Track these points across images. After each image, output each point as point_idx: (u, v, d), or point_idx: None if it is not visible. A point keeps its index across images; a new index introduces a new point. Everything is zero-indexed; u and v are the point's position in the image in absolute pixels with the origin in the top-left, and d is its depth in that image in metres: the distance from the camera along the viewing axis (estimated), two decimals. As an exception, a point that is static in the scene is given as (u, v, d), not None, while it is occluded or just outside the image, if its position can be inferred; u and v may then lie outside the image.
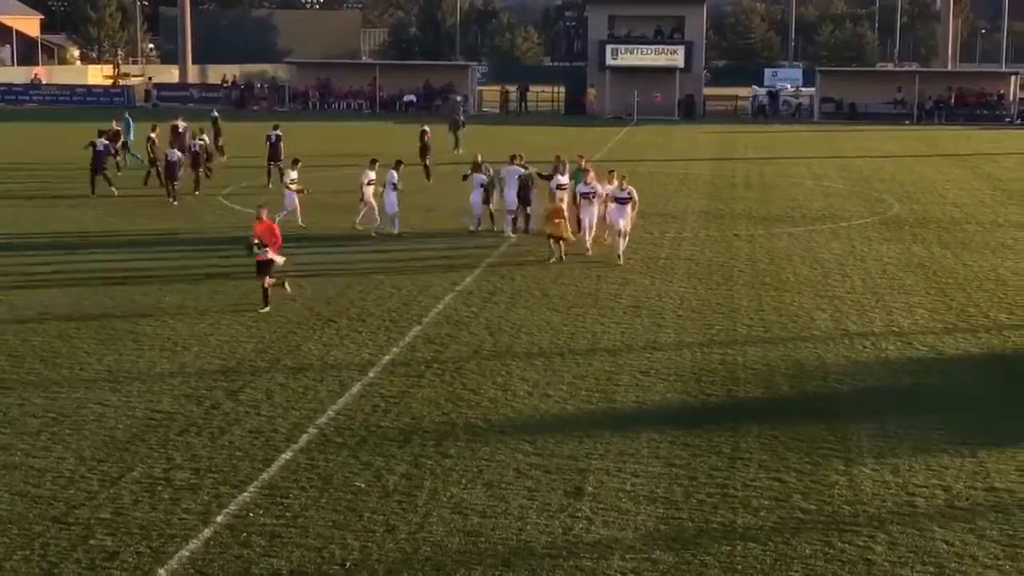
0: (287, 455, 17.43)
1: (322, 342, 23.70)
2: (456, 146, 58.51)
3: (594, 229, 33.18)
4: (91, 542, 14.41)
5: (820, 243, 35.87)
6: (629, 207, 32.33)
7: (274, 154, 47.06)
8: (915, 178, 53.29)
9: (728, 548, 14.45)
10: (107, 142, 46.15)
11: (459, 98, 58.89)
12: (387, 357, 22.59)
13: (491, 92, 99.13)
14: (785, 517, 15.43)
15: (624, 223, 32.31)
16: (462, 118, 59.78)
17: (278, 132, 47.46)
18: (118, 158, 49.40)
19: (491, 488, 16.28)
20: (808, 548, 14.49)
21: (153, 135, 47.14)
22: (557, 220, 31.40)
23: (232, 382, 20.88)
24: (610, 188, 33.45)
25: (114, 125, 51.41)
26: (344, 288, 28.36)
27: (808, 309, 26.92)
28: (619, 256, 31.85)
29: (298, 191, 36.82)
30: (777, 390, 21.12)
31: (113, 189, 44.23)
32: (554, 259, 31.33)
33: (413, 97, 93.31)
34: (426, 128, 50.78)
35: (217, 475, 16.61)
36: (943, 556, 14.40)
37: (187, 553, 14.12)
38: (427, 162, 48.28)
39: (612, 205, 32.95)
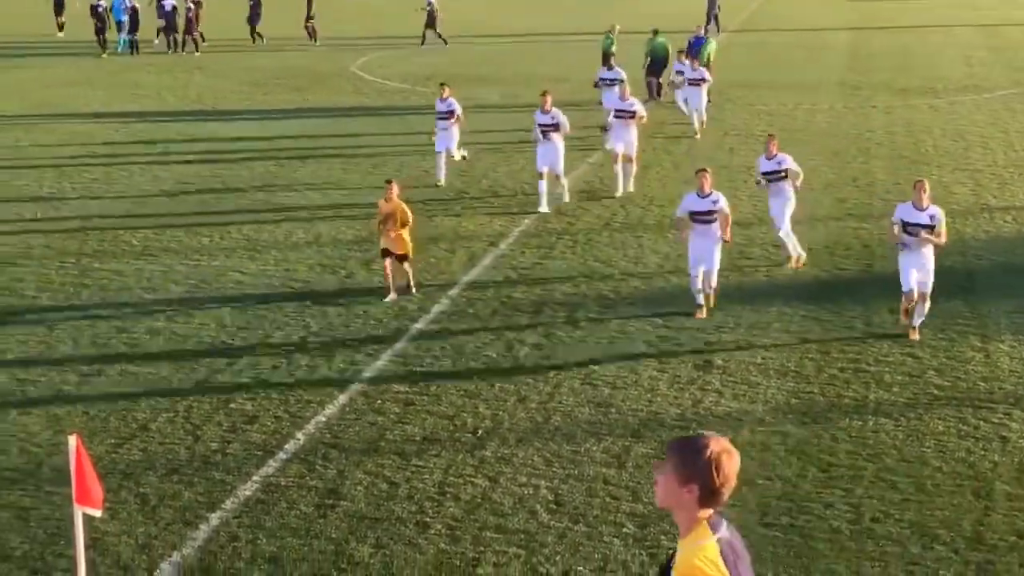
0: (419, 325, 17.70)
1: (454, 213, 23.86)
2: (716, 30, 56.33)
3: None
4: (232, 406, 14.87)
5: (962, 115, 34.87)
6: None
7: (431, 22, 50.70)
8: (1064, 47, 51.31)
9: (860, 423, 14.38)
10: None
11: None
12: (518, 228, 22.68)
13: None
14: (919, 393, 15.28)
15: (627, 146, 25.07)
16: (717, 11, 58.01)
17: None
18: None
19: (621, 360, 16.37)
20: (941, 424, 14.35)
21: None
22: (393, 232, 18.94)
23: (366, 252, 21.16)
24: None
25: None
26: (476, 160, 28.42)
27: (947, 183, 26.30)
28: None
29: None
30: (913, 265, 20.74)
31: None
32: (390, 296, 18.81)
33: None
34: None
35: (352, 343, 16.95)
36: (1081, 435, 14.15)
37: (323, 418, 14.50)
38: (438, 31, 50.77)
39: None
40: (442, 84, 26.88)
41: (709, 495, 5.40)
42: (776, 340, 17.08)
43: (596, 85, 32.20)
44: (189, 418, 14.55)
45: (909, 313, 17.15)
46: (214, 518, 12.14)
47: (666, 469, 5.46)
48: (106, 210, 24.16)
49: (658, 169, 27.56)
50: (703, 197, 17.78)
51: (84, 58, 47.19)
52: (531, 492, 12.64)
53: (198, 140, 31.39)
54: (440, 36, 50.79)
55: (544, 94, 24.65)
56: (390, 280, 18.87)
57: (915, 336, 17.02)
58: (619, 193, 25.12)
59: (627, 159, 25.45)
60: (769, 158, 20.30)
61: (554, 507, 12.37)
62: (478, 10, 67.15)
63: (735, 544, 5.54)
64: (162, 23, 49.23)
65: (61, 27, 53.19)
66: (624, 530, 11.88)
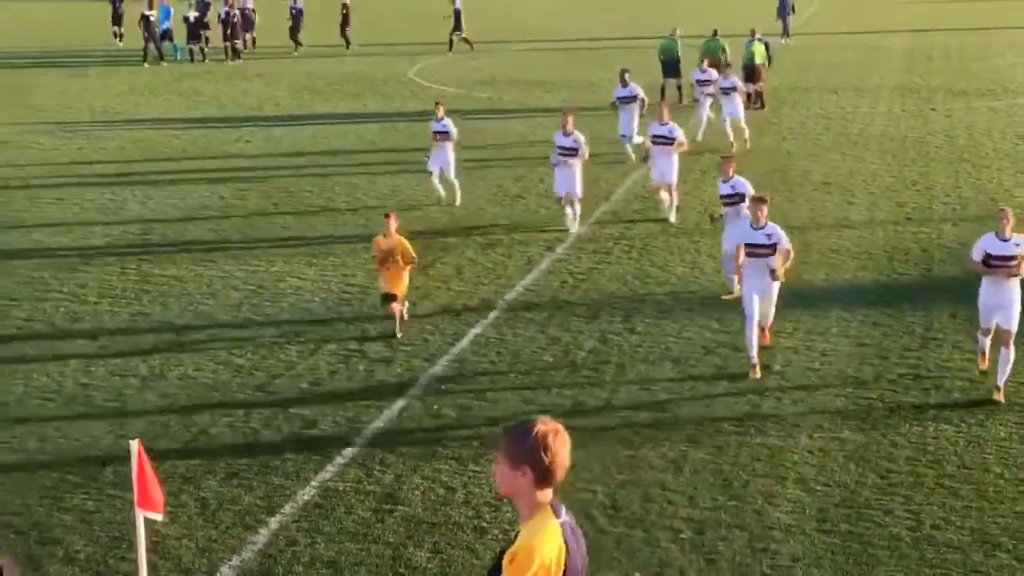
0: (477, 330, 17.74)
1: (510, 218, 23.89)
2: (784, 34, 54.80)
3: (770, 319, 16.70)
4: (290, 411, 14.97)
5: (1023, 117, 34.48)
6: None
7: (458, 25, 49.82)
8: None
9: (919, 429, 14.25)
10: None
11: None
12: (575, 233, 22.67)
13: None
14: (979, 399, 15.12)
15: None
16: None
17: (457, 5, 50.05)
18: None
19: (678, 365, 16.33)
20: (1003, 430, 14.20)
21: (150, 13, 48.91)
22: (392, 268, 17.52)
23: (423, 258, 21.09)
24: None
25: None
26: (533, 165, 28.43)
27: (1008, 186, 26.03)
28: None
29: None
30: (973, 269, 20.55)
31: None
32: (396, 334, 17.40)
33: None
34: None
35: (409, 348, 17.02)
36: None
37: (381, 424, 14.57)
38: (452, 36, 49.96)
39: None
40: (437, 103, 25.40)
41: (542, 476, 5.57)
42: (835, 345, 16.98)
43: (613, 105, 29.53)
44: (248, 423, 14.67)
45: (986, 358, 15.43)
46: (273, 522, 12.24)
47: (499, 456, 5.64)
48: (166, 216, 24.41)
49: (716, 174, 27.43)
50: (757, 229, 16.06)
51: (144, 66, 47.65)
52: (588, 497, 12.63)
53: (257, 147, 31.64)
54: (453, 41, 49.95)
55: (566, 113, 23.14)
56: (397, 325, 17.49)
57: (999, 398, 14.89)
58: (672, 219, 23.44)
59: (668, 189, 23.37)
60: (725, 180, 19.18)
61: (611, 512, 12.35)
62: (533, 13, 67.22)
63: (576, 530, 5.74)
64: (218, 29, 49.69)
65: (120, 37, 53.75)
66: (681, 536, 11.85)
